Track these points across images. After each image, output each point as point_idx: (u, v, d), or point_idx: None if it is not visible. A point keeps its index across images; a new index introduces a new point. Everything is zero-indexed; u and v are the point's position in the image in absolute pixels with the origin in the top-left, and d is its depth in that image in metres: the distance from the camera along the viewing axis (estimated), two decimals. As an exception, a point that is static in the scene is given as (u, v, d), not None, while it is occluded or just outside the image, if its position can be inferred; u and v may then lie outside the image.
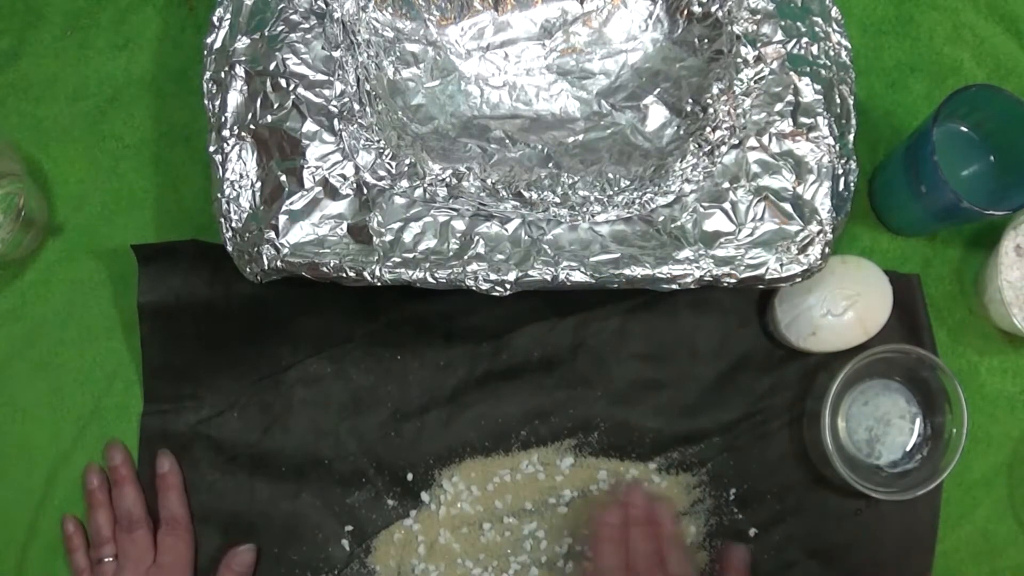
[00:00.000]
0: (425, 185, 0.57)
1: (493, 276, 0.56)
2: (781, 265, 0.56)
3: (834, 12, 0.61)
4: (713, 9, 0.61)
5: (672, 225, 0.57)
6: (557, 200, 0.57)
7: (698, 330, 0.65)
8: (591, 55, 0.64)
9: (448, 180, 0.57)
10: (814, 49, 0.60)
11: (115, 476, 0.62)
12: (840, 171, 0.58)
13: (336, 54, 0.58)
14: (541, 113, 0.64)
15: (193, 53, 0.65)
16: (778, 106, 0.58)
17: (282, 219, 0.56)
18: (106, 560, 0.60)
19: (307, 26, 0.58)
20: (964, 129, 0.62)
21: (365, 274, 0.56)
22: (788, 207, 0.57)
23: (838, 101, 0.59)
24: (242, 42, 0.58)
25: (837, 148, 0.58)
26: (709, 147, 0.58)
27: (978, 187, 0.61)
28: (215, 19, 0.59)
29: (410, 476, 0.63)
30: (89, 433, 0.64)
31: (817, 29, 0.60)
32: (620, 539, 0.58)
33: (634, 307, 0.65)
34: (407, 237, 0.56)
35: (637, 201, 0.57)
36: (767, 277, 0.56)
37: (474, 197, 0.57)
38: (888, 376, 0.64)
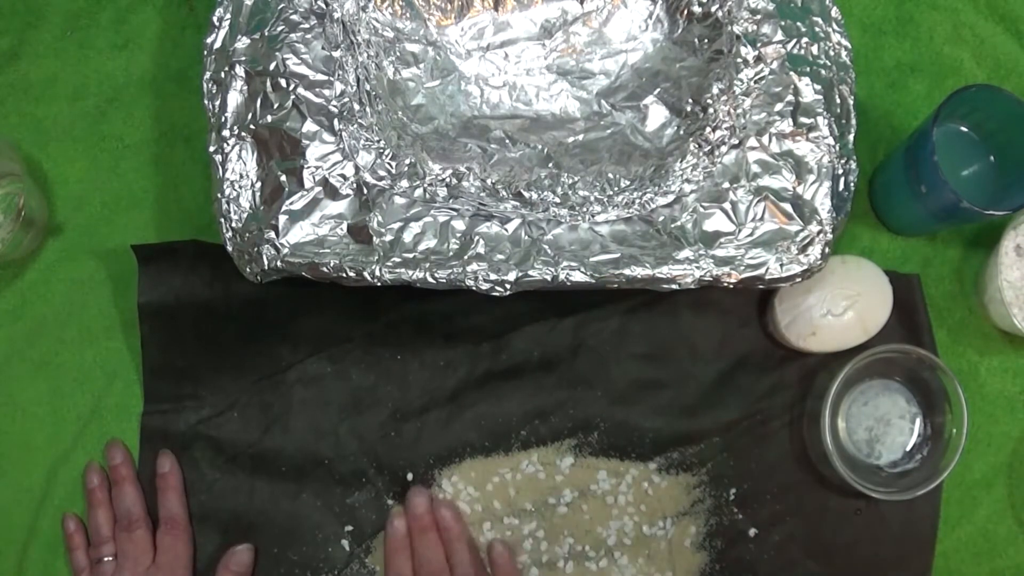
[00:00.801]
0: (425, 185, 0.57)
1: (493, 276, 0.56)
2: (781, 265, 0.57)
3: (834, 12, 0.61)
4: (713, 9, 0.61)
5: (672, 225, 0.57)
6: (557, 200, 0.57)
7: (698, 330, 0.65)
8: (591, 55, 0.65)
9: (448, 180, 0.57)
10: (814, 49, 0.60)
11: (115, 475, 0.62)
12: (840, 171, 0.58)
13: (336, 54, 0.58)
14: (541, 113, 0.64)
15: (193, 53, 0.65)
16: (778, 106, 0.58)
17: (282, 219, 0.56)
18: (105, 559, 0.60)
19: (307, 26, 0.58)
20: (964, 129, 0.62)
21: (365, 274, 0.56)
22: (788, 207, 0.57)
23: (838, 101, 0.59)
24: (242, 42, 0.58)
25: (837, 148, 0.58)
26: (709, 147, 0.58)
27: (978, 187, 0.61)
28: (215, 19, 0.59)
29: (410, 476, 0.63)
30: (89, 433, 0.64)
31: (817, 29, 0.60)
32: (406, 548, 0.60)
33: (634, 307, 0.65)
34: (407, 237, 0.56)
35: (637, 201, 0.57)
36: (767, 277, 0.56)
37: (474, 197, 0.57)
38: (888, 376, 0.64)
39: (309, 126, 0.57)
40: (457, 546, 0.60)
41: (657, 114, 0.63)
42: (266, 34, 0.58)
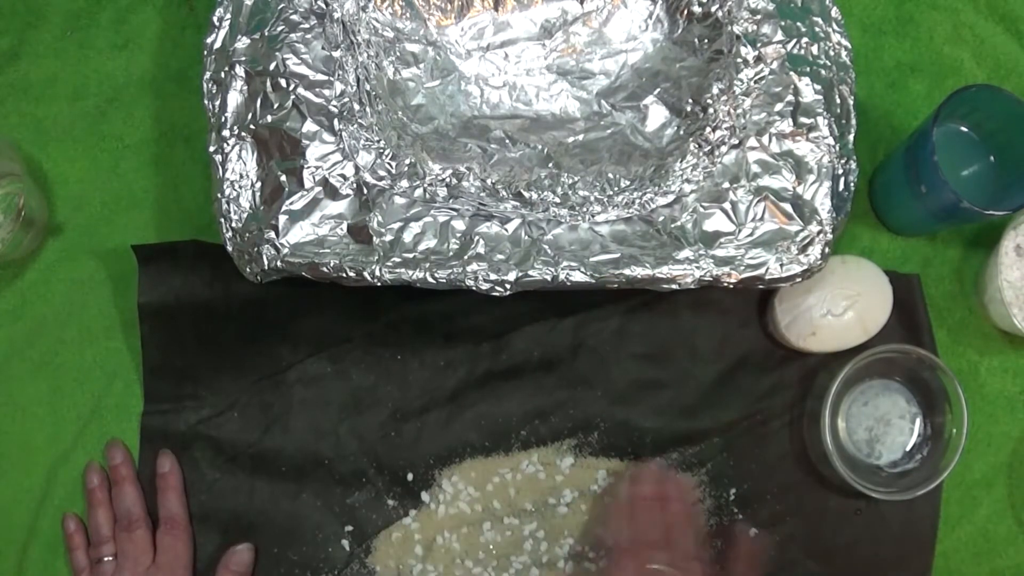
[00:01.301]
0: (425, 185, 0.57)
1: (493, 276, 0.56)
2: (781, 265, 0.56)
3: (834, 12, 0.61)
4: (713, 9, 0.61)
5: (672, 225, 0.57)
6: (557, 200, 0.57)
7: (698, 330, 0.65)
8: (591, 55, 0.64)
9: (448, 180, 0.57)
10: (814, 49, 0.60)
11: (115, 475, 0.62)
12: (840, 171, 0.58)
13: (336, 54, 0.58)
14: (541, 113, 0.64)
15: (193, 53, 0.65)
16: (778, 106, 0.58)
17: (282, 219, 0.56)
18: (105, 559, 0.60)
19: (307, 26, 0.58)
20: (964, 129, 0.62)
21: (365, 274, 0.56)
22: (788, 207, 0.57)
23: (838, 101, 0.59)
24: (242, 42, 0.58)
25: (837, 148, 0.58)
26: (709, 147, 0.58)
27: (978, 187, 0.61)
28: (215, 19, 0.59)
29: (410, 476, 0.63)
30: (89, 432, 0.64)
31: (817, 29, 0.60)
32: (628, 512, 0.60)
33: (634, 307, 0.65)
34: (407, 237, 0.56)
35: (637, 201, 0.57)
36: (767, 277, 0.56)
37: (474, 197, 0.57)
38: (888, 376, 0.64)
39: (309, 126, 0.57)
40: (679, 522, 0.60)
41: (657, 114, 0.63)
42: (266, 34, 0.58)
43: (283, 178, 0.57)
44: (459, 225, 0.57)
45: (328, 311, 0.64)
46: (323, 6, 0.59)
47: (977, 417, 0.64)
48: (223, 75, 0.58)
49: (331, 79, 0.58)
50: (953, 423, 0.61)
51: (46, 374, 0.65)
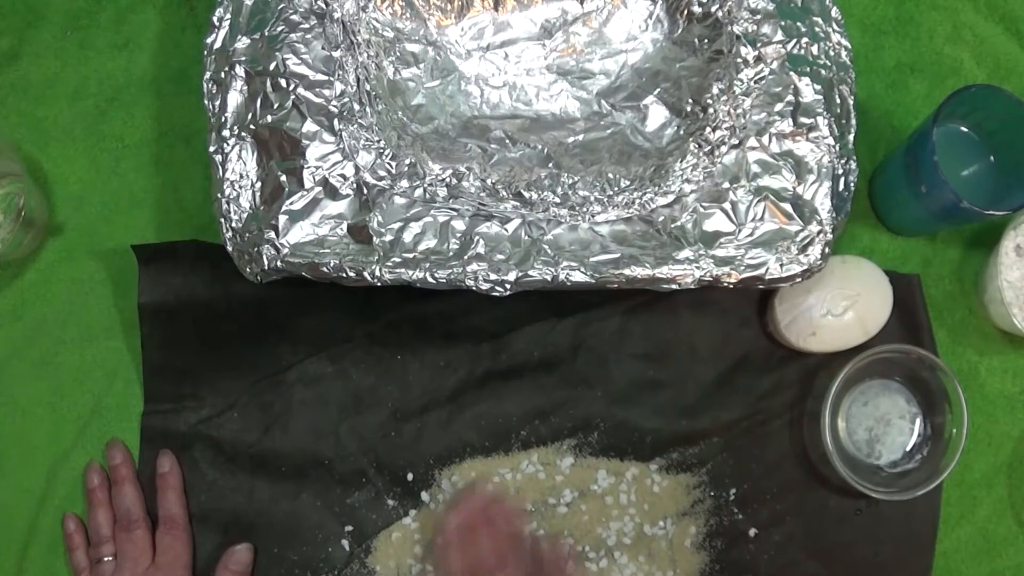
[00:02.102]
0: (425, 185, 0.57)
1: (493, 276, 0.56)
2: (781, 265, 0.57)
3: (834, 12, 0.61)
4: (713, 9, 0.61)
5: (672, 225, 0.57)
6: (557, 200, 0.57)
7: (698, 330, 0.65)
8: (591, 55, 0.65)
9: (448, 180, 0.57)
10: (814, 49, 0.60)
11: (115, 475, 0.62)
12: (840, 171, 0.58)
13: (336, 54, 0.58)
14: (541, 113, 0.64)
15: (193, 53, 0.65)
16: (778, 106, 0.58)
17: (282, 219, 0.56)
18: (105, 559, 0.60)
19: (307, 26, 0.58)
20: (964, 129, 0.62)
21: (365, 274, 0.56)
22: (788, 207, 0.57)
23: (838, 101, 0.59)
24: (242, 42, 0.58)
25: (837, 148, 0.58)
26: (709, 147, 0.58)
27: (978, 187, 0.61)
28: (215, 19, 0.59)
29: (410, 476, 0.63)
30: (89, 432, 0.64)
31: (817, 29, 0.60)
32: (461, 542, 0.59)
33: (634, 307, 0.65)
34: (407, 237, 0.56)
35: (637, 201, 0.57)
36: (767, 277, 0.57)
37: (474, 197, 0.57)
38: (888, 376, 0.64)
39: (309, 126, 0.57)
40: (511, 546, 0.59)
41: (657, 114, 0.63)
42: (266, 34, 0.58)
43: (283, 178, 0.57)
44: (459, 225, 0.57)
45: (328, 311, 0.64)
46: (323, 6, 0.59)
47: (977, 417, 0.64)
48: (223, 75, 0.58)
49: (331, 79, 0.58)
50: (953, 423, 0.61)
51: (46, 374, 0.65)
